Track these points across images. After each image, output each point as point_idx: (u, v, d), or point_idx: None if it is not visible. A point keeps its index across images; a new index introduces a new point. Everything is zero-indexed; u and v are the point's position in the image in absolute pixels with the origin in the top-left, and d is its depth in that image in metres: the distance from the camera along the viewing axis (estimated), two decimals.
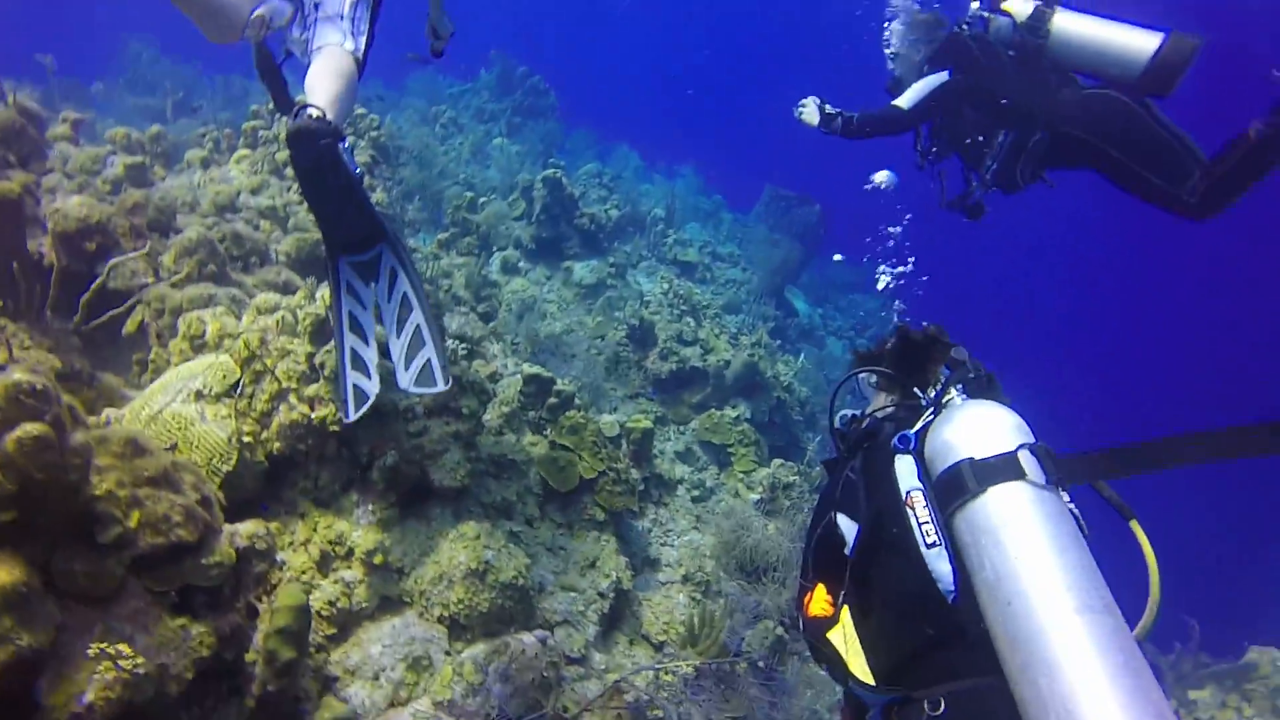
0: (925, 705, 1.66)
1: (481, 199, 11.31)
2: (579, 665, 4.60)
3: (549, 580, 4.99)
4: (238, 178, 7.42)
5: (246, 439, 4.09)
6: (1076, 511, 1.66)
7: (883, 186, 7.47)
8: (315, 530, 4.25)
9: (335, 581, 4.04)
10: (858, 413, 2.42)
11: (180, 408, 4.11)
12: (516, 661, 3.87)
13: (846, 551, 2.02)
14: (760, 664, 5.20)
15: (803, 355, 10.43)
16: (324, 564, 4.14)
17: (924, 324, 2.39)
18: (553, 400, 6.27)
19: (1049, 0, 4.26)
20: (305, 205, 7.20)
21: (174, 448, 3.91)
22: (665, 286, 9.71)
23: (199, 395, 4.18)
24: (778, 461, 7.63)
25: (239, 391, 4.20)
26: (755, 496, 7.01)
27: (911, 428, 1.97)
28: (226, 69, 15.64)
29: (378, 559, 4.10)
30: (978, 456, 1.69)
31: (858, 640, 1.90)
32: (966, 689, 1.65)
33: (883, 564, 1.91)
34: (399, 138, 13.35)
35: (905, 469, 1.89)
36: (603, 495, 5.57)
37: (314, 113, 3.35)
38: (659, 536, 6.46)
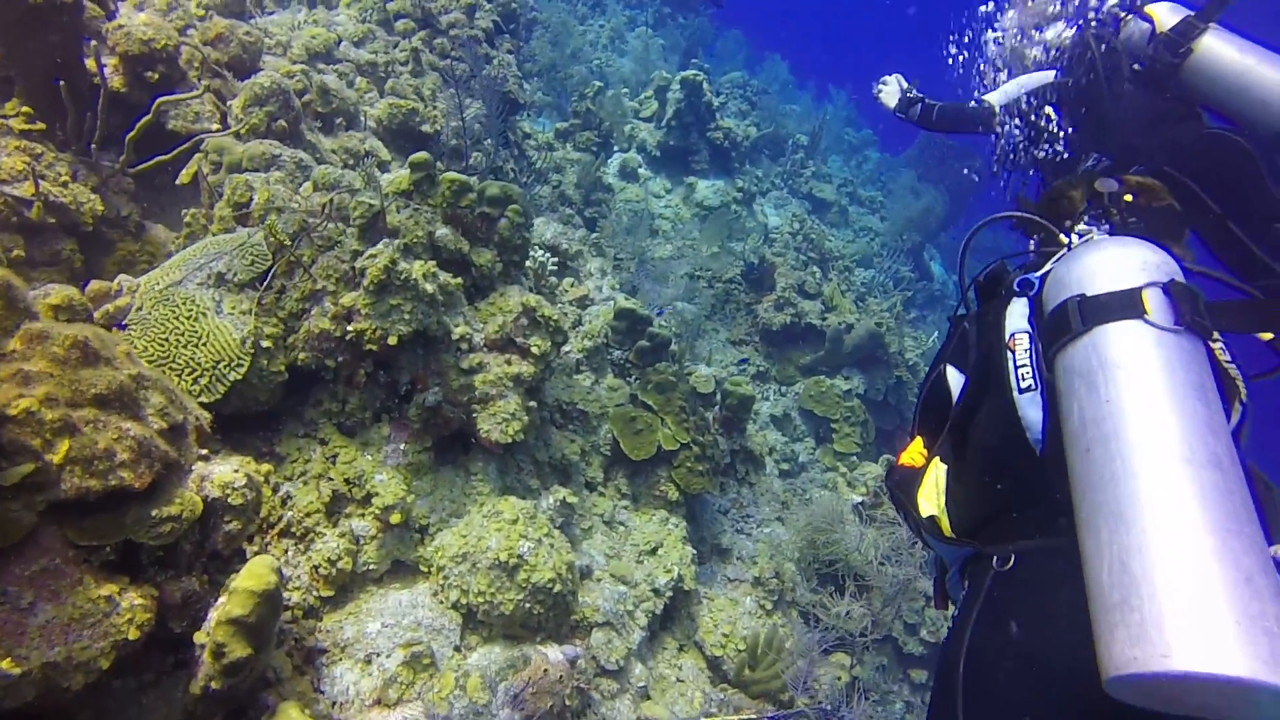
0: (994, 561, 1.56)
1: (610, 92, 10.15)
2: (613, 679, 3.82)
3: (598, 564, 4.18)
4: (345, 23, 6.56)
5: (265, 343, 3.35)
6: (1237, 373, 1.48)
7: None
8: (333, 462, 3.52)
9: (342, 534, 3.33)
10: (994, 262, 2.15)
11: (195, 291, 3.38)
12: (534, 684, 3.10)
13: (953, 403, 1.90)
14: (825, 708, 4.32)
15: (935, 335, 9.06)
16: (335, 507, 3.43)
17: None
18: (644, 344, 5.33)
19: (1206, 13, 3.39)
20: (409, 69, 6.32)
21: (171, 340, 3.20)
22: (795, 226, 8.46)
23: (220, 279, 3.44)
24: (889, 459, 6.51)
25: (267, 283, 3.43)
26: (857, 498, 5.97)
27: (1038, 271, 1.80)
28: None
29: (395, 517, 3.35)
30: (1090, 293, 1.52)
31: (944, 492, 1.82)
32: (1039, 547, 1.52)
33: (980, 414, 1.80)
34: (534, 9, 12.22)
35: (1016, 311, 1.76)
36: (681, 472, 4.67)
37: None
38: (736, 522, 5.56)
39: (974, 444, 1.81)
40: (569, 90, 10.80)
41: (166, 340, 3.22)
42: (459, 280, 3.74)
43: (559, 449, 4.37)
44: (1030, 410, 1.60)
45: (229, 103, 4.80)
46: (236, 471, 2.63)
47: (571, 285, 5.81)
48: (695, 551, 4.64)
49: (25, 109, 4.20)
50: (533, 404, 3.88)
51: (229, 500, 2.59)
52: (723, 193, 9.99)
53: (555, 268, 5.63)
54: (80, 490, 2.20)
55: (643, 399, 4.83)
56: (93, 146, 4.29)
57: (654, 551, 4.47)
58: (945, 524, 1.78)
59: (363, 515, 3.44)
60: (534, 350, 3.84)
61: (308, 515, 3.34)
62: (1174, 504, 1.21)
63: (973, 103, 4.05)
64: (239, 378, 3.23)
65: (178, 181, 4.58)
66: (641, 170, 10.08)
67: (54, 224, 3.99)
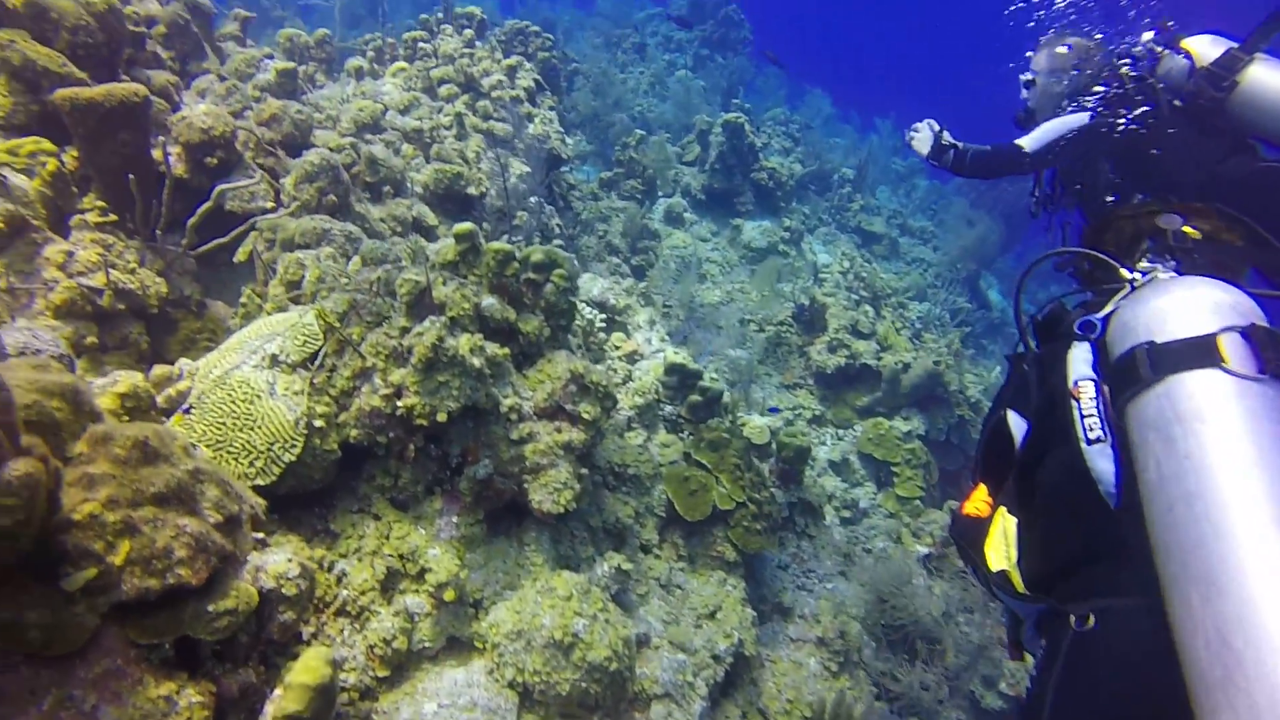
0: (1073, 620, 1.47)
1: (653, 138, 10.24)
2: None
3: (656, 631, 4.08)
4: (390, 92, 6.77)
5: (318, 422, 3.39)
6: None
7: None
8: (387, 538, 3.53)
9: (398, 612, 3.31)
10: (1052, 301, 2.09)
11: (251, 374, 3.45)
12: None
13: (1015, 450, 1.85)
14: None
15: (997, 370, 8.77)
16: (389, 584, 3.42)
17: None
18: (696, 398, 5.26)
19: (1250, 44, 3.32)
20: (453, 133, 6.47)
21: (228, 424, 3.26)
22: (845, 265, 8.33)
23: (274, 360, 3.51)
24: (954, 506, 6.27)
25: (319, 363, 3.49)
26: (923, 550, 5.75)
27: (1100, 312, 1.73)
28: None
29: (449, 594, 3.33)
30: (1160, 340, 1.44)
31: (1014, 544, 1.76)
32: (1121, 607, 1.43)
33: (1045, 463, 1.74)
34: (576, 61, 12.48)
35: (1079, 357, 1.69)
36: (738, 531, 4.56)
37: None
38: (797, 578, 5.39)
39: (1042, 494, 1.73)
40: (612, 139, 10.93)
41: (223, 424, 3.28)
42: (506, 350, 3.75)
43: (612, 513, 4.31)
44: (1101, 462, 1.53)
45: (282, 180, 4.96)
46: (290, 560, 2.64)
47: (621, 341, 5.79)
48: (755, 613, 4.50)
49: (100, 203, 4.41)
50: (584, 471, 3.84)
51: (283, 591, 2.59)
52: (769, 233, 9.94)
53: (604, 324, 5.63)
54: (140, 590, 2.23)
55: (696, 457, 4.75)
56: (158, 233, 4.47)
57: (713, 615, 4.35)
58: (1017, 579, 1.71)
59: (417, 591, 3.43)
60: (584, 417, 3.81)
61: (362, 593, 3.34)
62: (1274, 572, 1.12)
63: (1004, 146, 3.95)
64: (293, 459, 3.27)
65: (235, 259, 4.73)
66: (687, 214, 10.11)
67: (123, 310, 4.16)
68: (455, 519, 3.65)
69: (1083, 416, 1.58)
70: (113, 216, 4.37)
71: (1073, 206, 4.18)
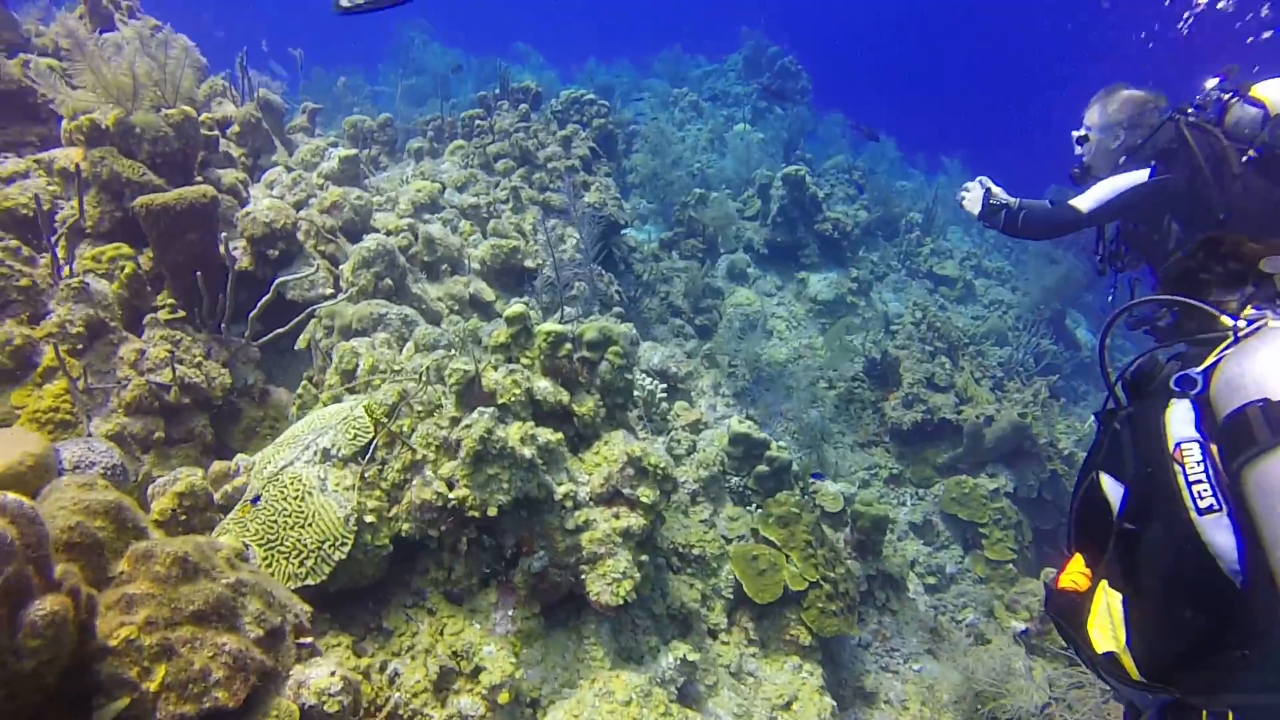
0: (1205, 716, 1.31)
1: (713, 194, 10.19)
2: None
3: None
4: (449, 170, 6.92)
5: (369, 518, 3.33)
6: None
7: None
8: (441, 635, 3.41)
9: (450, 716, 3.17)
10: (1144, 355, 1.95)
11: (303, 470, 3.44)
12: None
13: (1113, 517, 1.68)
14: None
15: (1092, 419, 8.18)
16: (443, 684, 3.29)
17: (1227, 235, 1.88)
18: (763, 469, 5.04)
19: None
20: (510, 206, 6.53)
21: (280, 522, 3.23)
22: (918, 315, 7.99)
23: (326, 455, 3.49)
24: (1050, 571, 5.78)
25: (369, 456, 3.45)
26: (1019, 625, 5.29)
27: (1200, 365, 1.60)
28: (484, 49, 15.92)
29: (503, 697, 3.17)
30: (1277, 397, 1.34)
31: (1120, 622, 1.56)
32: (1263, 704, 1.28)
33: (1150, 533, 1.56)
34: (633, 123, 12.64)
35: (1179, 416, 1.55)
36: (812, 614, 4.27)
37: None
38: (880, 657, 5.02)
39: (1151, 569, 1.57)
40: (671, 198, 10.94)
41: (275, 522, 3.26)
42: (560, 435, 3.64)
43: (677, 597, 4.10)
44: (1218, 535, 1.39)
45: (341, 266, 5.07)
46: (333, 675, 2.54)
47: (683, 410, 5.64)
48: (834, 703, 4.17)
49: (170, 300, 4.58)
50: (644, 558, 3.66)
51: (325, 708, 2.49)
52: (836, 284, 9.69)
53: (664, 394, 5.49)
54: (175, 717, 2.16)
55: (764, 533, 4.50)
56: (222, 326, 4.60)
57: (788, 706, 4.05)
58: (1129, 663, 1.53)
59: (471, 692, 3.28)
60: (642, 501, 3.65)
61: (415, 695, 3.22)
62: None
63: (1050, 203, 3.77)
64: (343, 557, 3.21)
65: (296, 346, 4.82)
66: (750, 270, 9.97)
67: (189, 403, 4.26)
68: (511, 612, 3.52)
69: (1190, 483, 1.45)
70: (181, 313, 4.52)
71: (1140, 265, 3.93)
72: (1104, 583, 1.68)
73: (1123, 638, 1.58)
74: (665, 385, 5.60)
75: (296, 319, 4.55)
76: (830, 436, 7.54)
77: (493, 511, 3.21)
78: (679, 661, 3.72)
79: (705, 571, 4.35)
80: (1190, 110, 3.59)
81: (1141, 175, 3.60)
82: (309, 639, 2.92)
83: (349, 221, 5.55)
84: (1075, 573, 1.79)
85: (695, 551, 4.33)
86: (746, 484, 5.09)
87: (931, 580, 6.32)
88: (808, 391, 7.66)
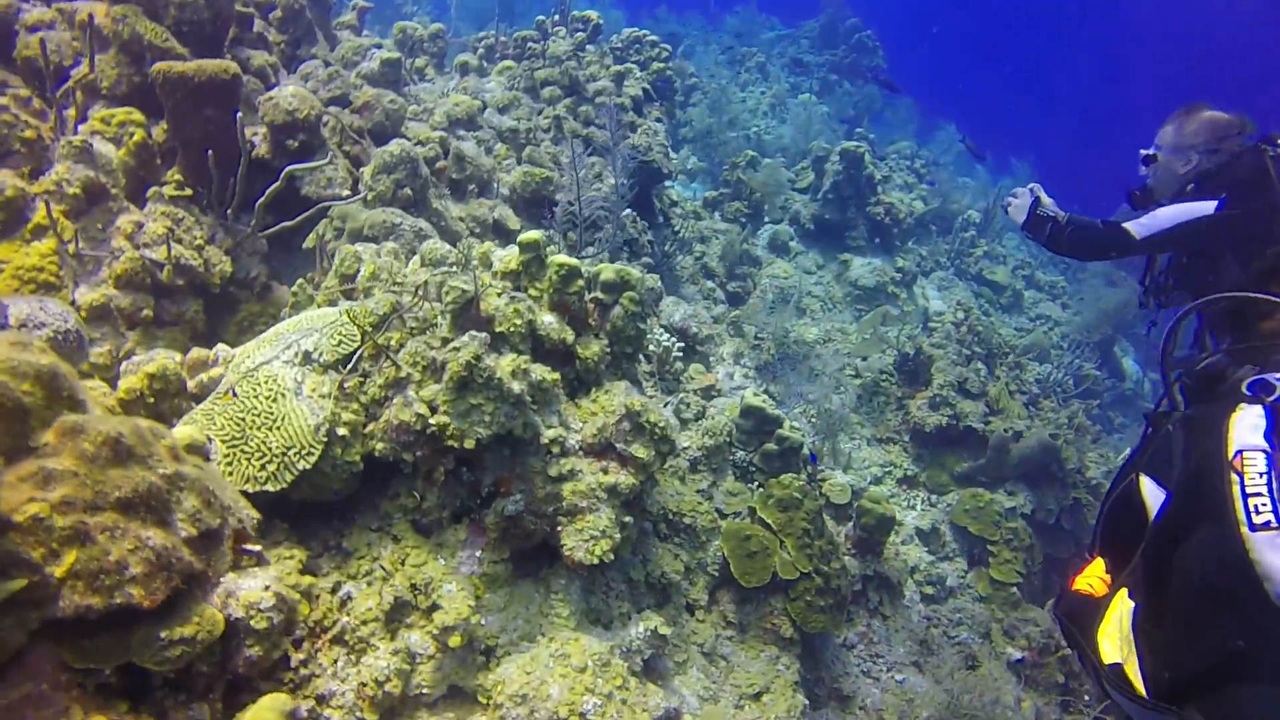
0: None
1: (766, 160, 9.77)
2: None
3: (689, 707, 3.60)
4: (494, 90, 6.60)
5: (342, 430, 3.11)
6: None
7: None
8: (402, 565, 3.21)
9: (397, 650, 2.97)
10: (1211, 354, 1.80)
11: (280, 370, 3.22)
12: None
13: (1148, 523, 1.60)
14: None
15: (1127, 451, 7.77)
16: (395, 616, 3.09)
17: None
18: (771, 447, 4.75)
19: None
20: (550, 136, 6.22)
21: (247, 420, 3.01)
22: (960, 316, 7.59)
23: (308, 358, 3.26)
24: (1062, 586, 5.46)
25: (351, 365, 3.22)
26: (1015, 654, 5.00)
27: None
28: None
29: (454, 640, 2.96)
30: None
31: (1130, 634, 1.48)
32: None
33: (1189, 544, 1.45)
34: (694, 75, 12.16)
35: (1247, 422, 1.44)
36: (798, 606, 4.02)
37: None
38: (863, 661, 4.77)
39: (1182, 581, 1.46)
40: (723, 158, 10.53)
41: (243, 420, 3.05)
42: (556, 375, 3.38)
43: (659, 565, 3.86)
44: (1270, 554, 1.30)
45: (363, 169, 4.81)
46: (267, 589, 2.34)
47: (699, 373, 5.35)
48: (807, 702, 3.94)
49: (177, 176, 4.36)
50: (628, 519, 3.41)
51: (252, 623, 2.28)
52: (879, 272, 9.27)
53: (680, 353, 5.20)
54: (80, 609, 1.95)
55: (762, 515, 4.24)
56: (229, 212, 4.37)
57: (758, 697, 3.82)
58: (1136, 679, 1.45)
59: (423, 629, 3.08)
60: (636, 459, 3.39)
61: (364, 623, 3.02)
62: None
63: (1101, 223, 3.47)
64: (308, 466, 2.99)
65: (304, 245, 4.59)
66: (793, 244, 9.58)
67: (182, 286, 4.06)
68: (479, 553, 3.30)
69: (1246, 495, 1.35)
70: (188, 191, 4.29)
71: (1186, 302, 3.55)
72: (1123, 591, 1.59)
73: (1131, 649, 1.48)
74: (683, 344, 5.31)
75: (305, 214, 4.31)
76: (848, 426, 7.22)
77: (470, 444, 2.97)
78: (649, 632, 3.49)
79: (693, 543, 4.11)
80: (1276, 145, 3.18)
81: (1208, 207, 3.22)
82: (256, 547, 2.73)
83: (379, 125, 5.27)
84: (1094, 576, 1.70)
85: (686, 521, 4.08)
86: (752, 460, 4.81)
87: (930, 590, 6.04)
88: (833, 376, 7.33)
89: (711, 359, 6.08)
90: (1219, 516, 1.38)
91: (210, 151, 4.19)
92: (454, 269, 3.38)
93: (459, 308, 3.18)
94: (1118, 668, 1.47)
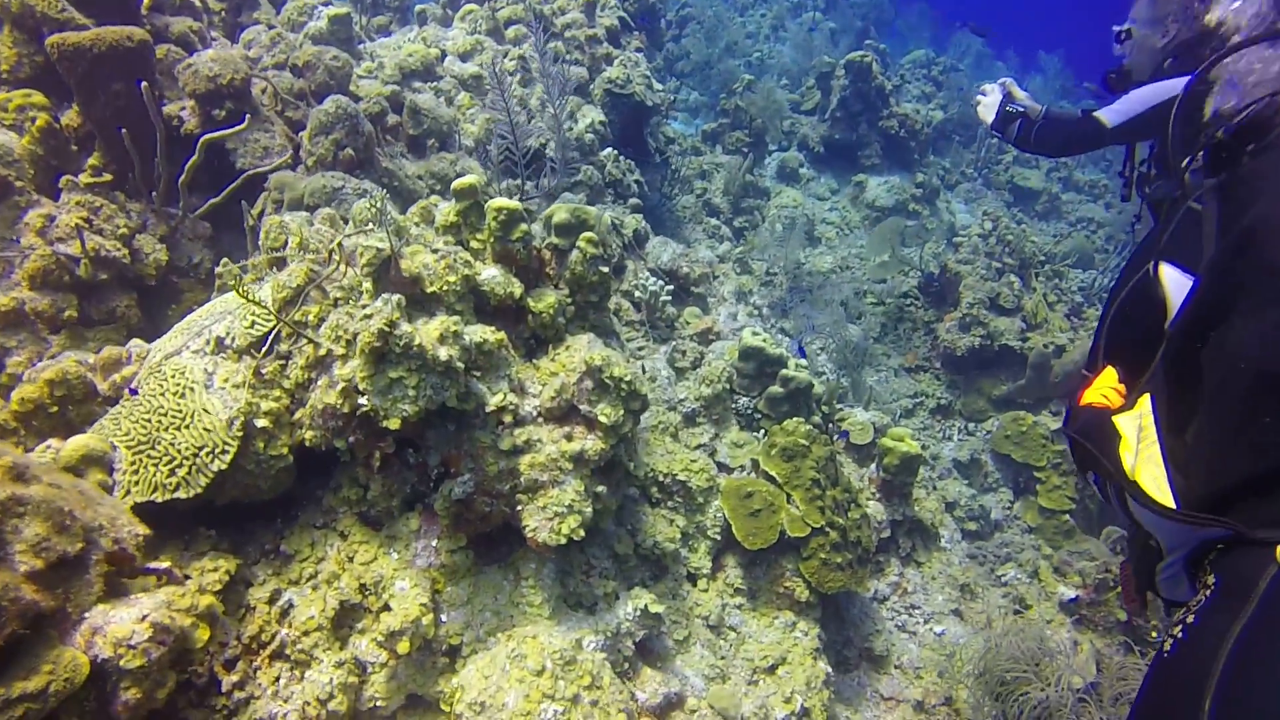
0: None
1: (762, 83, 9.08)
2: None
3: (694, 689, 3.24)
4: (455, 37, 6.10)
5: (263, 422, 2.76)
6: None
7: None
8: (350, 563, 2.88)
9: (341, 664, 2.65)
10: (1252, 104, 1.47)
11: (189, 361, 2.87)
12: None
13: (1168, 321, 1.42)
14: None
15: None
16: (343, 622, 2.77)
17: None
18: (776, 389, 4.30)
19: None
20: (518, 79, 5.72)
21: (153, 421, 2.68)
22: (987, 226, 6.94)
23: (220, 344, 2.91)
24: (1113, 531, 4.95)
25: (267, 348, 2.85)
26: (1069, 592, 4.52)
27: None
28: None
29: (403, 645, 2.62)
30: None
31: (1158, 446, 1.30)
32: None
33: (1230, 328, 1.26)
34: (689, 4, 11.42)
35: None
36: (812, 565, 3.61)
37: None
38: (897, 612, 4.36)
39: (1220, 377, 1.27)
40: (722, 89, 9.86)
41: (149, 420, 2.71)
42: (502, 335, 2.97)
43: (651, 534, 3.48)
44: None
45: (301, 134, 4.40)
46: (143, 620, 2.00)
47: (694, 317, 4.89)
48: (829, 670, 3.54)
49: (95, 162, 4.01)
50: (601, 489, 3.02)
51: (123, 663, 1.96)
52: (898, 190, 8.60)
53: (670, 297, 4.74)
54: None
55: (765, 467, 3.81)
56: (154, 195, 4.02)
57: (773, 670, 3.44)
58: (1163, 492, 1.25)
59: (376, 633, 2.75)
60: (601, 421, 2.98)
61: (306, 634, 2.71)
62: None
63: (1080, 113, 3.08)
64: (224, 467, 2.66)
65: (247, 224, 4.22)
66: (803, 170, 8.94)
67: (107, 280, 3.74)
68: (435, 542, 2.95)
69: None
70: (108, 177, 3.95)
71: (1174, 194, 2.99)
72: (1145, 397, 1.38)
73: (1157, 460, 1.28)
74: (672, 287, 4.84)
75: (229, 187, 3.94)
76: (872, 358, 6.70)
77: (393, 424, 2.59)
78: (638, 613, 3.11)
79: (690, 506, 3.71)
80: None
81: (1181, 84, 2.64)
82: (163, 565, 2.41)
83: (323, 86, 4.84)
84: (1106, 387, 1.50)
85: (680, 480, 3.67)
86: (757, 406, 4.36)
87: (973, 526, 5.57)
88: (850, 305, 6.79)
89: (711, 300, 5.60)
90: (1268, 295, 1.20)
91: (124, 130, 3.83)
92: (369, 227, 2.97)
93: (374, 270, 2.77)
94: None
